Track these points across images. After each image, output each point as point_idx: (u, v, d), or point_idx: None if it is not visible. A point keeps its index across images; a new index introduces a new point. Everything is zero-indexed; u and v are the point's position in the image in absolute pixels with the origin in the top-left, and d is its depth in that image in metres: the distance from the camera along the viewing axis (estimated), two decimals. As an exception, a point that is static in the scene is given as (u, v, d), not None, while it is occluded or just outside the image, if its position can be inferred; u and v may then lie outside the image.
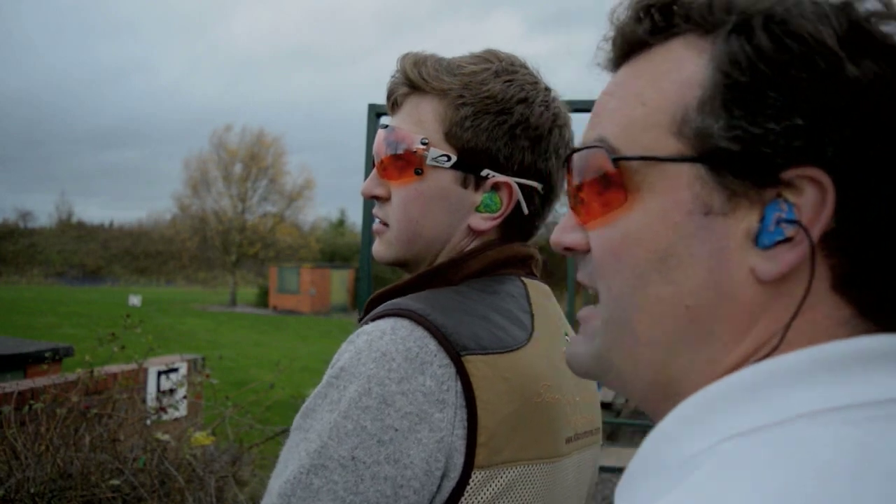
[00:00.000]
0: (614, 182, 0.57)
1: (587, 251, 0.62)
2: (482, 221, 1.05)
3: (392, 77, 1.10)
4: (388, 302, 0.96)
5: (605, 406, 9.95)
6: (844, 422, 0.46)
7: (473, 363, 0.88)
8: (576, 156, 0.62)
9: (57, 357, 5.49)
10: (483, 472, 0.87)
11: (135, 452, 3.53)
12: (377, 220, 1.11)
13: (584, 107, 2.30)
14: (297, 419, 0.89)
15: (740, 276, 0.52)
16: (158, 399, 4.40)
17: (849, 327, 0.51)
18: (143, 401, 4.43)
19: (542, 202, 1.09)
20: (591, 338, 0.62)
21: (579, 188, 0.61)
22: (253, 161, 43.55)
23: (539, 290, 1.09)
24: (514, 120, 1.03)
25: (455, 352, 0.87)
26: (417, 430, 0.84)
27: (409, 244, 1.07)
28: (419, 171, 1.03)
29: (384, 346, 0.86)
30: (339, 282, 34.69)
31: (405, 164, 1.04)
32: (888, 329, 0.51)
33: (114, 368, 4.55)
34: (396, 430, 0.83)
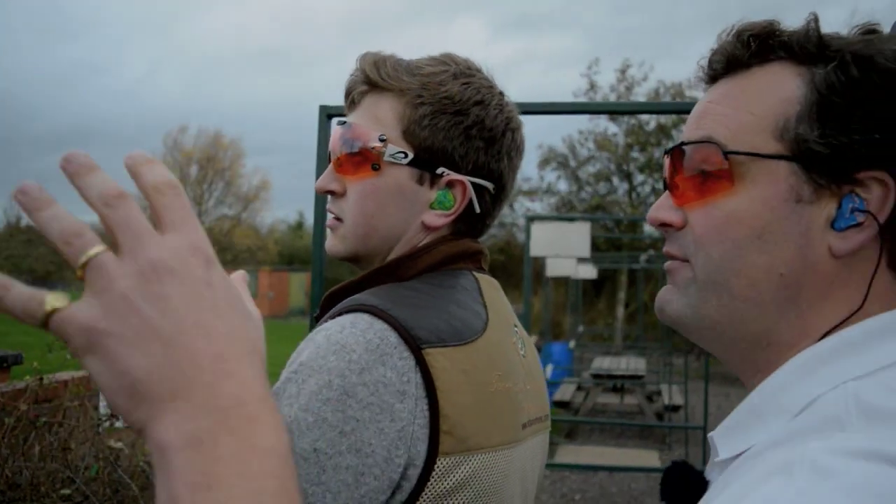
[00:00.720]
0: (720, 172, 0.71)
1: (681, 227, 0.75)
2: (436, 218, 1.09)
3: (351, 75, 1.12)
4: (348, 298, 0.98)
5: (563, 405, 10.04)
6: None
7: (433, 355, 0.91)
8: (683, 149, 0.75)
9: (5, 365, 5.33)
10: (449, 459, 0.90)
11: (86, 461, 3.46)
12: (331, 216, 1.13)
13: (543, 109, 2.30)
14: None
15: (821, 251, 0.67)
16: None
17: None
18: (96, 408, 4.34)
19: (492, 201, 1.14)
20: (684, 289, 0.75)
21: (683, 175, 0.74)
22: (209, 163, 42.96)
23: (489, 284, 1.14)
24: (470, 121, 1.07)
25: (415, 344, 0.90)
26: (379, 420, 0.86)
27: (364, 239, 1.09)
28: (376, 167, 1.06)
29: (343, 339, 0.88)
30: (298, 285, 34.39)
31: (362, 159, 1.06)
32: None
33: (64, 375, 4.45)
34: (358, 420, 0.85)
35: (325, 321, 0.95)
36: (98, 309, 0.47)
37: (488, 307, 1.07)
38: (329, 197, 1.13)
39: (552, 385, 10.37)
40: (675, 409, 9.89)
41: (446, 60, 1.11)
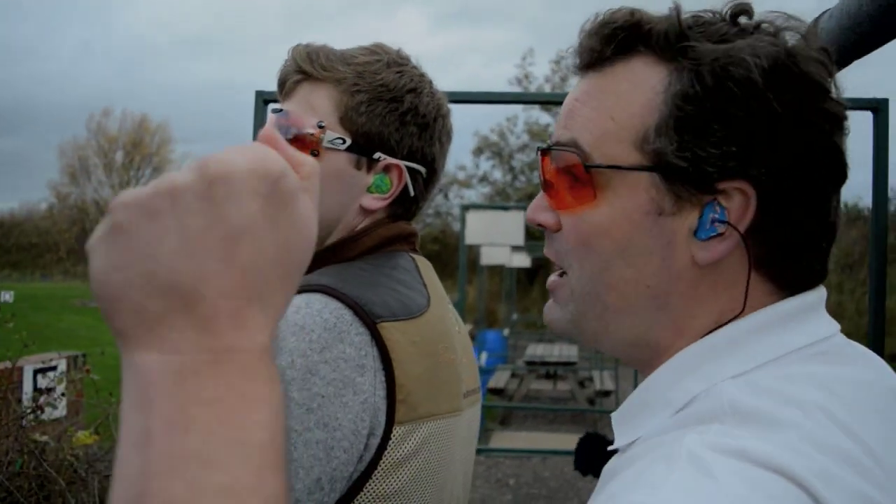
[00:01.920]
0: (584, 181, 0.70)
1: (557, 230, 0.74)
2: (373, 201, 1.13)
3: (283, 66, 1.14)
4: (304, 280, 1.00)
5: (498, 392, 10.16)
6: (805, 358, 0.65)
7: (387, 329, 0.96)
8: (552, 150, 0.74)
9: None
10: (403, 427, 0.95)
11: (10, 456, 3.35)
12: None
13: (483, 98, 2.33)
14: None
15: (685, 261, 0.68)
16: (35, 399, 4.17)
17: (773, 297, 0.68)
18: (19, 401, 4.19)
19: (425, 185, 1.20)
20: (564, 305, 0.76)
21: (554, 177, 0.73)
22: (136, 149, 41.64)
23: (425, 264, 1.20)
24: (405, 107, 1.12)
25: (370, 320, 0.95)
26: (343, 395, 0.90)
27: None
28: (315, 153, 1.08)
29: (301, 319, 0.91)
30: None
31: (300, 146, 1.08)
32: (803, 290, 0.70)
33: (-18, 368, 4.28)
34: (323, 396, 0.89)
35: None
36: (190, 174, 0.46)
37: (427, 285, 1.13)
38: None
39: (486, 372, 10.47)
40: (607, 394, 10.12)
41: (377, 50, 1.15)
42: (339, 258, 1.09)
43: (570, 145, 0.71)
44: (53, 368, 5.01)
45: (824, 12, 1.28)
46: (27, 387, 4.71)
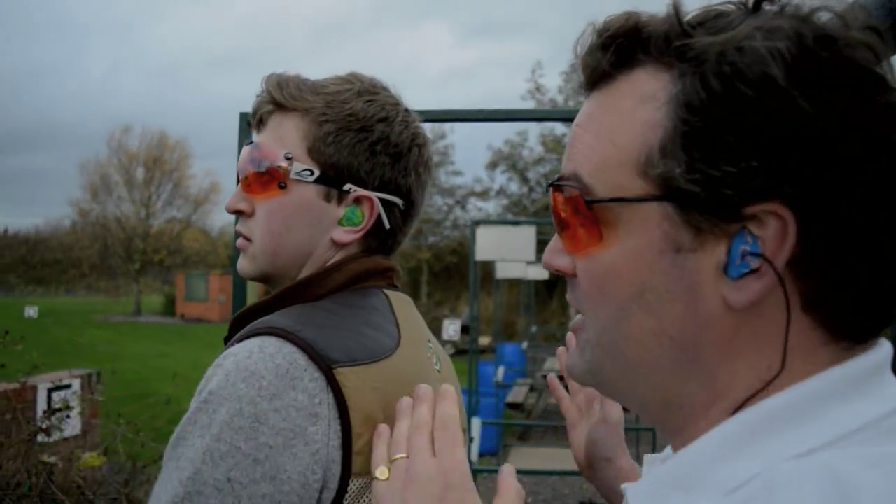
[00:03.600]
0: (590, 219, 0.60)
1: (573, 275, 0.64)
2: (344, 234, 1.08)
3: (257, 96, 1.12)
4: (256, 321, 0.96)
5: (516, 406, 10.06)
6: (884, 434, 0.51)
7: (344, 374, 0.90)
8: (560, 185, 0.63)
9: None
10: (360, 480, 0.89)
11: (18, 477, 3.32)
12: (240, 236, 1.13)
13: (506, 116, 2.24)
14: (168, 450, 0.87)
15: (715, 305, 0.55)
16: (48, 418, 4.16)
17: (828, 349, 0.55)
18: (29, 421, 4.18)
19: (402, 217, 1.14)
20: (582, 352, 0.65)
21: (566, 217, 0.63)
22: (156, 164, 42.08)
23: (401, 301, 1.13)
24: (375, 137, 1.08)
25: (326, 365, 0.89)
26: (292, 446, 0.85)
27: (273, 258, 1.08)
28: (283, 185, 1.05)
29: (252, 365, 0.86)
30: (250, 288, 33.90)
31: (269, 178, 1.06)
32: (864, 339, 0.56)
33: (-6, 387, 4.29)
34: (271, 447, 0.84)
35: (233, 345, 0.92)
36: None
37: (400, 325, 1.07)
38: (238, 217, 1.13)
39: (504, 388, 10.38)
40: (626, 409, 9.98)
41: (351, 79, 1.11)
42: (308, 295, 1.04)
43: (572, 179, 0.61)
44: (67, 387, 5.00)
45: None
46: (41, 405, 4.71)
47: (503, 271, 10.19)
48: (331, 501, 0.88)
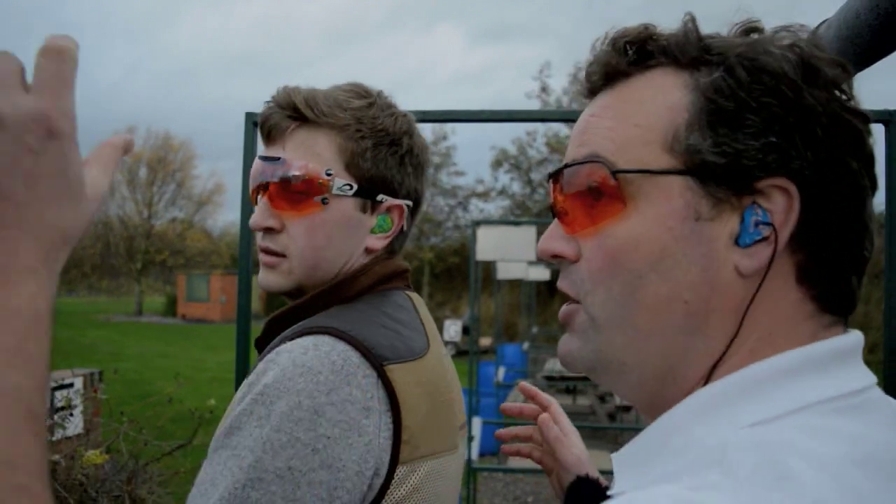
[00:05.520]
0: (611, 193, 0.65)
1: (575, 260, 0.68)
2: (377, 241, 1.16)
3: (270, 110, 1.13)
4: (305, 321, 1.03)
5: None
6: (835, 411, 0.57)
7: (394, 371, 0.97)
8: (567, 171, 0.69)
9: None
10: (405, 467, 0.96)
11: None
12: (267, 254, 1.14)
13: (507, 117, 2.27)
14: (220, 438, 0.93)
15: (727, 272, 0.61)
16: (50, 417, 4.18)
17: (812, 322, 0.62)
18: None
19: (410, 219, 1.22)
20: (584, 334, 0.68)
21: (570, 200, 0.68)
22: (160, 164, 42.11)
23: (420, 301, 1.21)
24: (404, 150, 1.16)
25: (377, 362, 0.96)
26: (348, 437, 0.91)
27: (313, 271, 1.12)
28: (325, 201, 1.10)
29: (309, 361, 0.93)
30: (255, 290, 33.87)
31: (305, 194, 1.09)
32: (841, 315, 0.64)
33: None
34: (328, 438, 0.90)
35: (281, 343, 0.98)
36: None
37: (424, 324, 1.14)
38: (260, 234, 1.14)
39: (505, 388, 10.40)
40: (627, 409, 10.00)
41: (363, 93, 1.16)
42: (338, 297, 1.10)
43: (592, 158, 0.66)
44: (70, 386, 5.03)
45: (822, 22, 1.23)
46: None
47: (504, 272, 10.20)
48: (379, 486, 0.94)
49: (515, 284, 17.63)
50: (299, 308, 1.09)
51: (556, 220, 0.71)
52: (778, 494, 0.48)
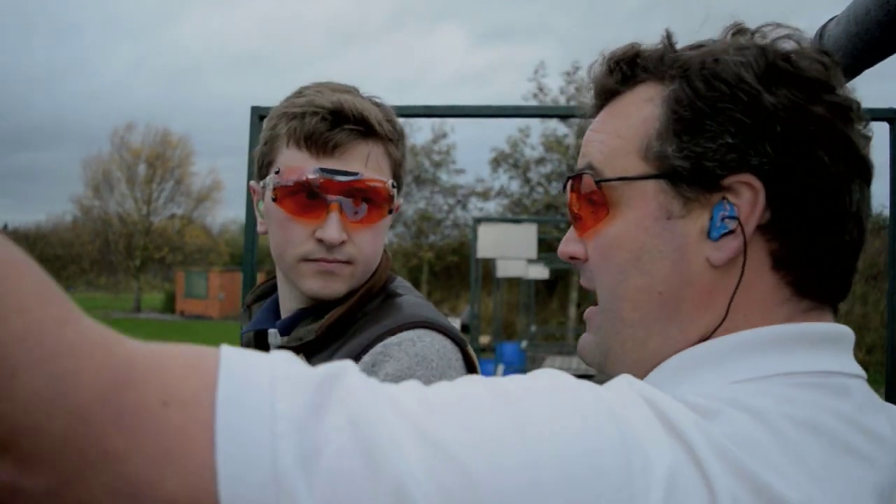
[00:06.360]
0: (599, 200, 0.73)
1: (586, 260, 0.76)
2: (386, 237, 1.25)
3: (326, 121, 1.11)
4: (396, 316, 1.10)
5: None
6: (787, 384, 0.61)
7: (469, 352, 1.12)
8: (573, 180, 0.77)
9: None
10: None
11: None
12: (333, 262, 1.14)
13: (528, 112, 2.28)
14: None
15: (698, 264, 0.68)
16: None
17: (790, 305, 0.67)
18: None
19: None
20: (595, 331, 0.77)
21: (579, 206, 0.76)
22: (158, 160, 42.08)
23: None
24: (407, 150, 1.25)
25: (463, 346, 1.11)
26: None
27: (366, 275, 1.19)
28: (391, 211, 1.18)
29: (421, 351, 1.04)
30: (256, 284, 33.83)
31: (378, 207, 1.15)
32: (822, 301, 0.69)
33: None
34: None
35: (387, 337, 1.05)
36: None
37: None
38: (315, 246, 1.13)
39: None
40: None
41: (372, 97, 1.20)
42: (373, 292, 1.18)
43: (586, 168, 0.75)
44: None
45: (831, 19, 1.23)
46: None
47: (504, 270, 10.21)
48: None
49: (514, 283, 17.67)
50: (354, 308, 1.15)
51: (571, 225, 0.80)
52: (707, 422, 0.54)
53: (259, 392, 0.45)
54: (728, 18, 0.75)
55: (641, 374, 0.70)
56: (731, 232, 0.66)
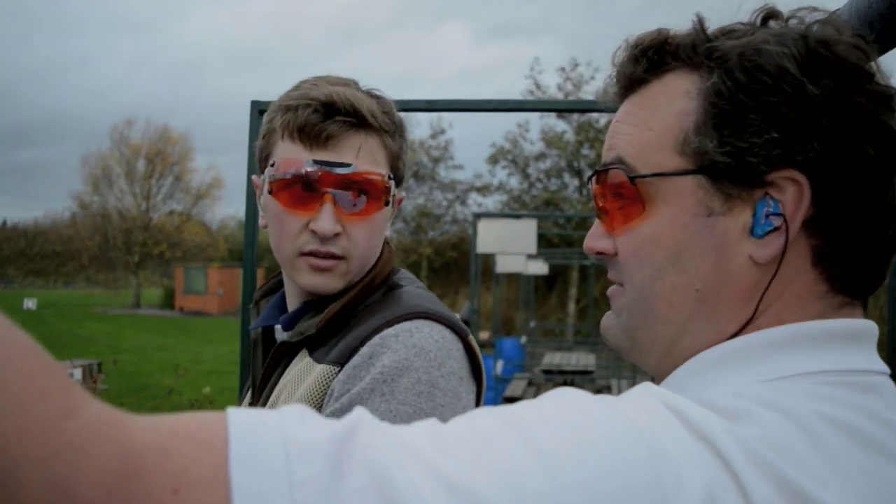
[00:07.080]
0: (632, 196, 0.70)
1: (615, 255, 0.74)
2: (387, 230, 1.24)
3: (320, 113, 1.10)
4: (395, 308, 1.09)
5: (514, 400, 10.05)
6: (817, 383, 0.60)
7: (471, 342, 1.11)
8: (600, 173, 0.74)
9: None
10: None
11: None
12: (326, 258, 1.13)
13: (530, 107, 2.29)
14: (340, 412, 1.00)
15: (739, 262, 0.65)
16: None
17: (825, 301, 0.66)
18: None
19: None
20: (619, 315, 0.75)
21: (607, 201, 0.74)
22: (157, 157, 42.03)
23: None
24: (407, 144, 1.22)
25: (463, 336, 1.10)
26: (454, 404, 1.02)
27: (362, 270, 1.18)
28: (388, 204, 1.16)
29: (418, 342, 1.03)
30: (257, 280, 33.80)
31: (374, 199, 1.13)
32: (855, 297, 0.67)
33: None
34: (442, 406, 1.01)
35: (385, 329, 1.04)
36: None
37: None
38: (309, 237, 1.12)
39: (503, 381, 10.42)
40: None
41: (372, 90, 1.19)
42: (374, 286, 1.18)
43: (616, 162, 0.72)
44: (69, 377, 5.02)
45: (833, 12, 1.23)
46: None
47: (503, 265, 10.21)
48: None
49: (514, 279, 17.67)
50: (354, 301, 1.14)
51: (597, 219, 0.77)
52: (737, 426, 0.53)
53: (274, 461, 0.44)
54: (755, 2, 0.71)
55: (668, 368, 0.71)
56: (776, 229, 0.64)
